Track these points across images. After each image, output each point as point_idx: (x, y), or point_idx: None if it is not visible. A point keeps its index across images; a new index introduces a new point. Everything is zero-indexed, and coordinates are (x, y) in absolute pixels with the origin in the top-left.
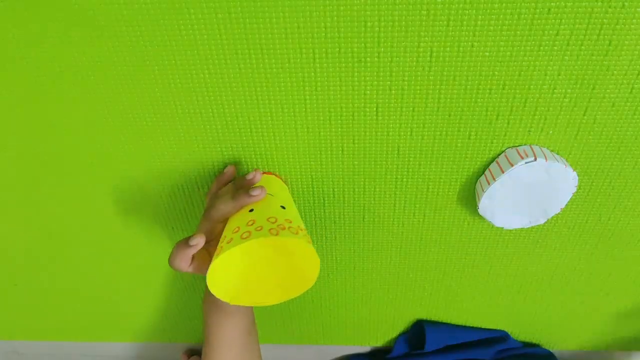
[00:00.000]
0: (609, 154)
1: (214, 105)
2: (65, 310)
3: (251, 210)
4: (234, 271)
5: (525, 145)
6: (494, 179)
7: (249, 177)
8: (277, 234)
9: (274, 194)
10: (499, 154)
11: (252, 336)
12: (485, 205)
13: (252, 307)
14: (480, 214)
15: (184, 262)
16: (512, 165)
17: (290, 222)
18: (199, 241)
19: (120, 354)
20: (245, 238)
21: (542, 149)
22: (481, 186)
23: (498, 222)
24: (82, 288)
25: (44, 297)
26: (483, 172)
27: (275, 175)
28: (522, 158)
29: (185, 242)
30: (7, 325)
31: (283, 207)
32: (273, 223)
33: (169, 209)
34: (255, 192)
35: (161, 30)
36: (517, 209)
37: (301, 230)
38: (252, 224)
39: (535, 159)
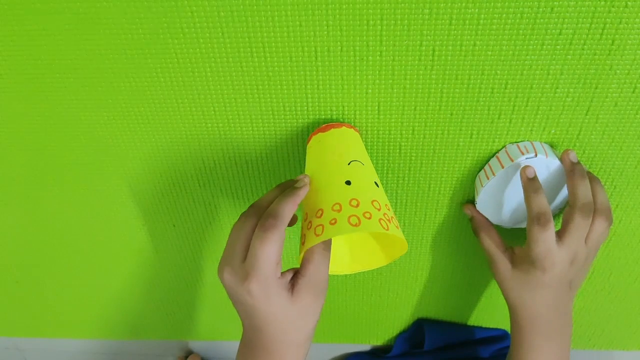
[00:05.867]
0: (611, 154)
1: (215, 103)
2: (65, 307)
3: (348, 183)
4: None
5: (526, 141)
6: (493, 174)
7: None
8: (387, 229)
9: (365, 162)
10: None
11: None
12: (484, 200)
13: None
14: (478, 209)
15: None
16: (512, 161)
17: (388, 207)
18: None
19: (121, 351)
20: (356, 225)
21: (543, 145)
22: (480, 181)
23: (496, 220)
24: (83, 285)
25: (45, 294)
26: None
27: (349, 127)
28: (523, 154)
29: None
30: (8, 322)
31: (377, 184)
32: (379, 210)
33: (170, 206)
34: (300, 187)
35: (163, 28)
36: (516, 206)
37: (394, 216)
38: (357, 206)
39: (536, 155)
